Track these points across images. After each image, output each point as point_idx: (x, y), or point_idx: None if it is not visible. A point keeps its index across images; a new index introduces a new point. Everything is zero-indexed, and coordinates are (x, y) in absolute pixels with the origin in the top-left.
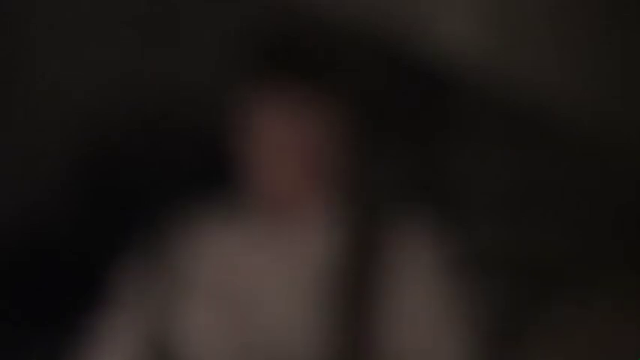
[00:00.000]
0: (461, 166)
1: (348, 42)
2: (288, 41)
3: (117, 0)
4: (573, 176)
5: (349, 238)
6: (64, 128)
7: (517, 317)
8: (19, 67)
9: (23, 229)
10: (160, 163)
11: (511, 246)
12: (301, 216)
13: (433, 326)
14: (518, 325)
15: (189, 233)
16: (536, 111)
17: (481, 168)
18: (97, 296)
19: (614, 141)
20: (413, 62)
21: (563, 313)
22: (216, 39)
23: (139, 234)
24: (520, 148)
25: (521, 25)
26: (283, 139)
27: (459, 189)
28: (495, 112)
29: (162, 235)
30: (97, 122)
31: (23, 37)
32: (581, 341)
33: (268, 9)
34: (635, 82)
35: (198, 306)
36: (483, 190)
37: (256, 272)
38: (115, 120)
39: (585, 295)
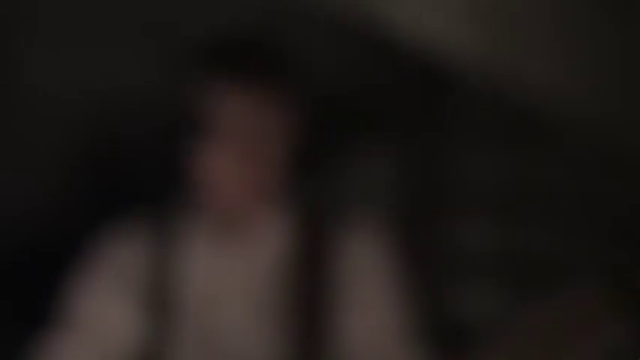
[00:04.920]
0: (458, 166)
1: (332, 38)
2: (243, 42)
3: (117, 2)
4: (572, 176)
5: (301, 242)
6: (56, 130)
7: (503, 318)
8: (16, 68)
9: (22, 229)
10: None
11: (510, 246)
12: (254, 220)
13: (385, 326)
14: (502, 327)
15: (144, 239)
16: (535, 111)
17: (478, 167)
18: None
19: (614, 141)
20: (411, 61)
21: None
22: (171, 41)
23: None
24: (517, 147)
25: (520, 25)
26: (237, 141)
27: (456, 189)
28: (493, 112)
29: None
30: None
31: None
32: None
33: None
34: (635, 81)
35: (147, 314)
36: (480, 190)
37: (210, 278)
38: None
39: (576, 297)
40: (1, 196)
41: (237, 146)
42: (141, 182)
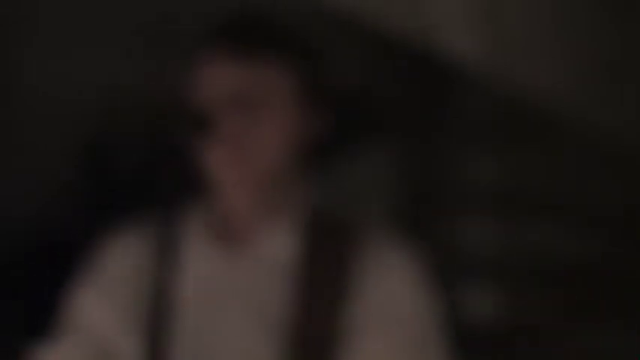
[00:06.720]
0: (458, 166)
1: (332, 39)
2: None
3: (116, 2)
4: (572, 176)
5: (309, 254)
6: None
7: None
8: (15, 70)
9: (22, 229)
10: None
11: (510, 246)
12: (261, 226)
13: (407, 343)
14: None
15: (143, 241)
16: (535, 111)
17: (478, 167)
18: None
19: (614, 141)
20: (411, 61)
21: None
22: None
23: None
24: (517, 147)
25: (520, 25)
26: (242, 132)
27: (456, 189)
28: (493, 112)
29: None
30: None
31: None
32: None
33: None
34: (635, 81)
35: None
36: (480, 190)
37: (210, 283)
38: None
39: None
40: (1, 196)
41: (239, 140)
42: (142, 183)
